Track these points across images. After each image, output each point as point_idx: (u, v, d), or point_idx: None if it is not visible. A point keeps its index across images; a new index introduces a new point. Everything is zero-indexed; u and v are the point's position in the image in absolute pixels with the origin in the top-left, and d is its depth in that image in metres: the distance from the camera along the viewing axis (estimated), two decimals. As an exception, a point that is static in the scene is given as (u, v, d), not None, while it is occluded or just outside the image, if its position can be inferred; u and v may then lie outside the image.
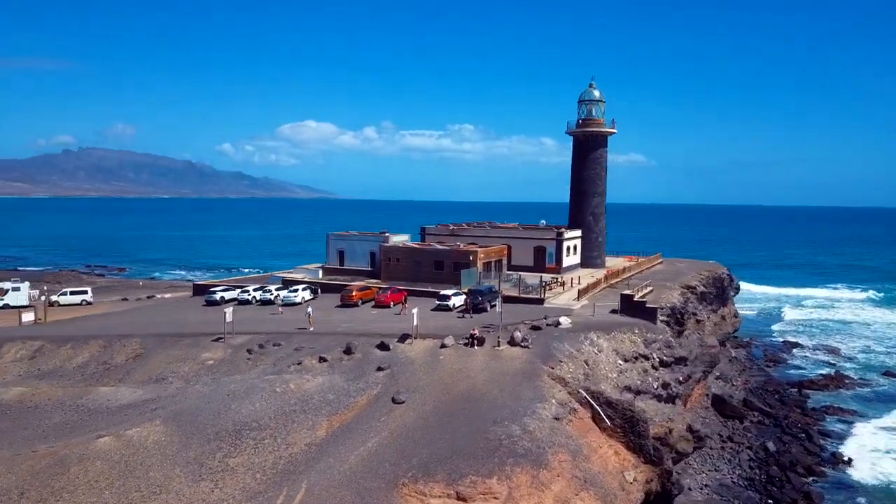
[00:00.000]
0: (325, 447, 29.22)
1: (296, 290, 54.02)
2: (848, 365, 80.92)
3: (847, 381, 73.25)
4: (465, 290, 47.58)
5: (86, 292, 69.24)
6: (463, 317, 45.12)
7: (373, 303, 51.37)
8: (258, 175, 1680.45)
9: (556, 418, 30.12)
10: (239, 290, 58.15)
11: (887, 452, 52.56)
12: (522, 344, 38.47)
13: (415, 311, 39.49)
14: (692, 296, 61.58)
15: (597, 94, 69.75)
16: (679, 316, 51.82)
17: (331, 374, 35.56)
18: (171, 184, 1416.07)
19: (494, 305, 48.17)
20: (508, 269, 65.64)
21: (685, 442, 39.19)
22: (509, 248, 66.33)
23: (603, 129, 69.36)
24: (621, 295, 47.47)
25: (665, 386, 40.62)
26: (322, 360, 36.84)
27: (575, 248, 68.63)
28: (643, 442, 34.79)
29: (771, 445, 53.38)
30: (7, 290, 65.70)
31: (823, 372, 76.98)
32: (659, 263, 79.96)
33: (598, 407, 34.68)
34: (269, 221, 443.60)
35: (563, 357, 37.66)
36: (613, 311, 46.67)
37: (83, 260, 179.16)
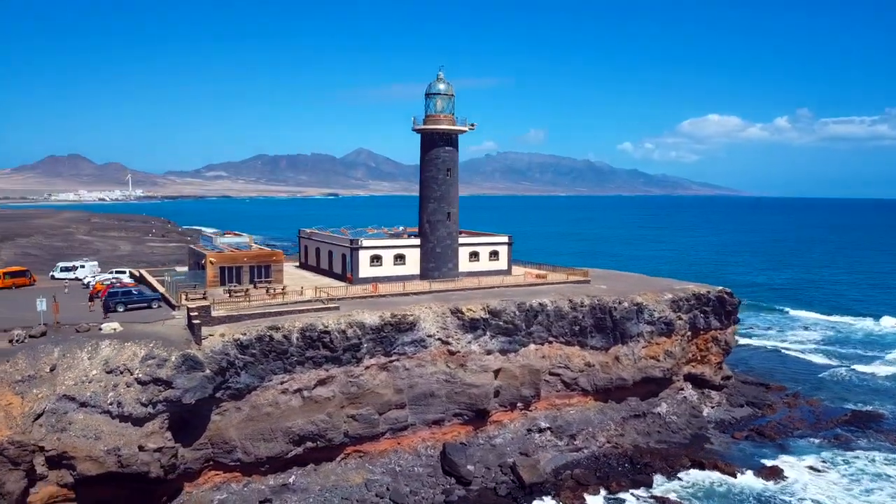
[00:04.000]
0: None
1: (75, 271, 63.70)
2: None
3: (794, 475, 49.72)
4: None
5: None
6: (106, 316, 48.74)
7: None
8: (654, 172, 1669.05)
9: None
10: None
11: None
12: (13, 342, 41.86)
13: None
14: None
15: (442, 87, 59.85)
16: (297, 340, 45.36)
17: None
18: (570, 182, 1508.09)
19: (135, 308, 50.20)
20: (330, 275, 63.44)
21: (91, 463, 37.03)
22: (329, 253, 63.72)
23: (441, 127, 59.44)
24: (188, 308, 44.61)
25: (120, 405, 38.65)
26: None
27: (401, 257, 61.26)
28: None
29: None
30: (77, 267, 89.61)
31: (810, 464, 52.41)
32: (582, 281, 64.72)
33: None
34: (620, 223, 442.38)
35: (19, 359, 39.73)
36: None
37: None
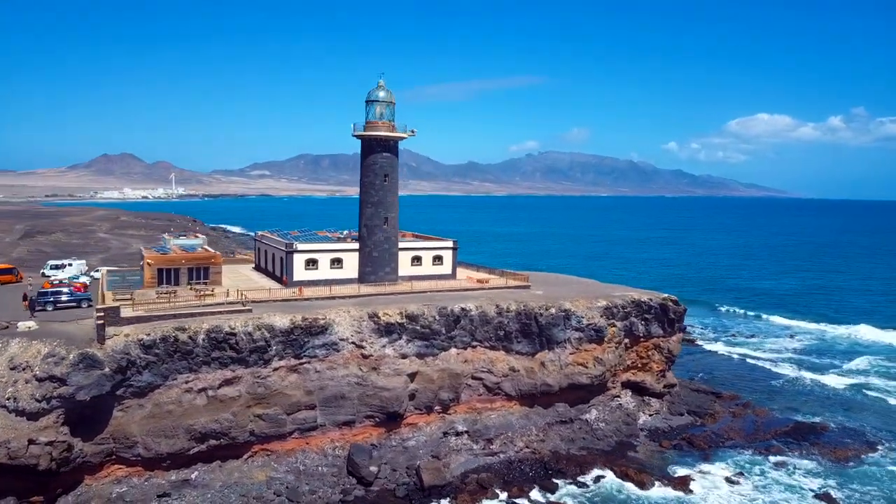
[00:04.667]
0: None
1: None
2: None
3: (703, 485, 49.16)
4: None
5: None
6: (33, 315, 51.12)
7: None
8: (698, 173, 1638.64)
9: None
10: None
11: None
12: (-66, 338, 44.63)
13: None
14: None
15: (382, 94, 60.88)
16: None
17: None
18: (613, 182, 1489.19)
19: (65, 307, 52.57)
20: (273, 278, 65.12)
21: (-17, 455, 39.46)
22: (273, 256, 65.36)
23: (379, 133, 60.53)
24: (97, 309, 46.67)
25: (15, 399, 40.97)
26: None
27: (338, 261, 62.43)
28: None
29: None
30: (65, 266, 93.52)
31: (726, 475, 52.03)
32: (522, 286, 65.02)
33: None
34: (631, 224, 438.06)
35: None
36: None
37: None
